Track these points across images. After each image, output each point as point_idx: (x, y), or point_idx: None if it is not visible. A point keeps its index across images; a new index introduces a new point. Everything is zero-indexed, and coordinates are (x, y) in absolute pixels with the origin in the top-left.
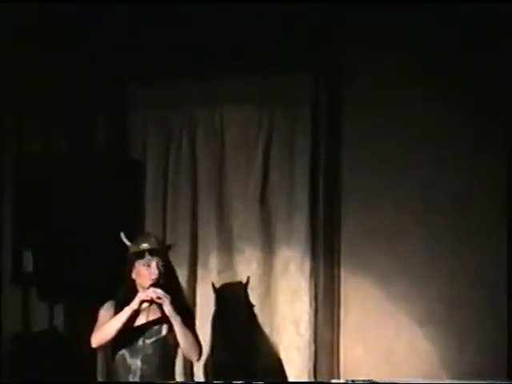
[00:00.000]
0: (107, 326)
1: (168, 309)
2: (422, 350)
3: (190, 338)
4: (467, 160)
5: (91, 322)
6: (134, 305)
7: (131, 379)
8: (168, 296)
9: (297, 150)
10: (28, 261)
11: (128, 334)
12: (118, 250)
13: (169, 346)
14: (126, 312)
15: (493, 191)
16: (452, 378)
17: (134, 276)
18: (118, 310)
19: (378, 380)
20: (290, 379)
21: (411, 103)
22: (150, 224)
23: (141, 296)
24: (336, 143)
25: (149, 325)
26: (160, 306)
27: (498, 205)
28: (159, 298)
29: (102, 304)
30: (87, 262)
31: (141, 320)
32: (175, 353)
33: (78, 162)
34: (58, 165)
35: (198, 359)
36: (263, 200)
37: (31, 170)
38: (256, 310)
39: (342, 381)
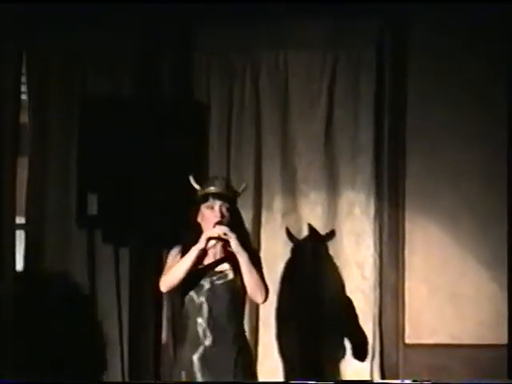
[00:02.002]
0: (176, 269)
1: (235, 244)
2: (487, 292)
3: (256, 277)
4: None
5: (157, 267)
6: (201, 244)
7: (200, 320)
8: (234, 233)
9: (361, 92)
10: (93, 204)
11: (196, 276)
12: (182, 193)
13: (237, 289)
14: (194, 252)
15: None
16: None
17: (199, 220)
18: (185, 253)
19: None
20: (356, 323)
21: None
22: (215, 166)
23: (207, 233)
24: (401, 86)
25: (216, 264)
26: (225, 246)
27: None
28: (225, 234)
29: (166, 248)
30: (152, 206)
31: (208, 260)
32: (244, 297)
33: (143, 106)
34: (123, 109)
35: (264, 301)
36: (327, 141)
37: (96, 115)
38: (320, 253)
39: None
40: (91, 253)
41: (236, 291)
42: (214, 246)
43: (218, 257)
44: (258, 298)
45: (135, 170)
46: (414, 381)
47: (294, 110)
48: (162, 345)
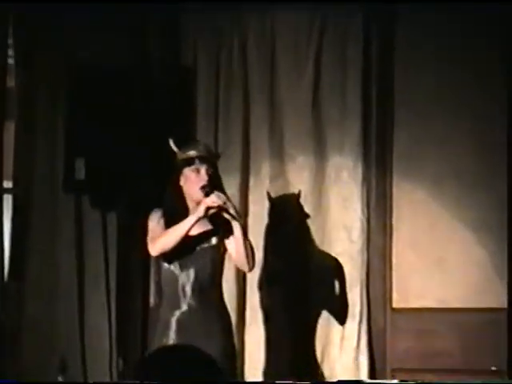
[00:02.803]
0: (170, 234)
1: (233, 212)
2: (474, 256)
3: (246, 245)
4: None
5: (145, 231)
6: (200, 213)
7: (185, 283)
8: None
9: (349, 56)
10: (80, 169)
11: (182, 239)
12: (168, 156)
13: (220, 254)
14: (192, 220)
15: None
16: (506, 286)
17: (181, 183)
18: (167, 217)
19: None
20: (343, 287)
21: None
22: (203, 131)
23: (207, 202)
24: (389, 50)
25: (203, 230)
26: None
27: None
28: (225, 203)
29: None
30: (139, 171)
31: (195, 225)
32: (223, 263)
33: (130, 71)
34: (110, 74)
35: (251, 269)
36: (315, 107)
37: (83, 80)
38: (308, 217)
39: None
40: (79, 218)
41: (219, 257)
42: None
43: (205, 222)
44: (246, 267)
45: (123, 134)
46: (401, 381)
47: (281, 76)
48: (149, 308)
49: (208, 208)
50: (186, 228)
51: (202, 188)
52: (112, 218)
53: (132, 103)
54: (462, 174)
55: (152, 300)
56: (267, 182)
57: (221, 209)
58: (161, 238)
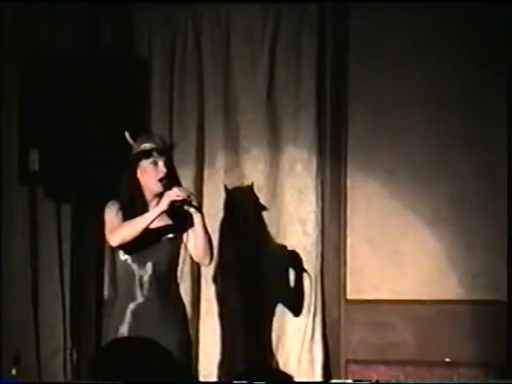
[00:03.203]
0: (132, 226)
1: (196, 205)
2: (428, 248)
3: (207, 238)
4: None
5: (99, 222)
6: (163, 206)
7: (142, 274)
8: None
9: (303, 48)
10: (34, 160)
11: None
12: (123, 148)
13: (177, 246)
14: (155, 213)
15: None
16: (460, 278)
17: (138, 175)
18: (124, 209)
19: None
20: (298, 279)
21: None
22: (157, 123)
23: (171, 195)
24: (343, 42)
25: (160, 227)
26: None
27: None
28: (189, 196)
29: (108, 201)
30: (92, 160)
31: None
32: (179, 256)
33: (83, 61)
34: (63, 63)
35: (210, 263)
36: (269, 99)
37: (36, 69)
38: (263, 209)
39: (348, 381)
40: (33, 208)
41: (176, 250)
42: (156, 204)
43: (163, 215)
44: (205, 261)
45: (77, 125)
46: (355, 381)
47: (235, 69)
48: (104, 300)
49: (172, 202)
50: (148, 221)
51: (160, 180)
52: (66, 209)
53: (85, 95)
54: (417, 166)
55: (106, 292)
56: (222, 173)
57: (184, 202)
58: (121, 229)
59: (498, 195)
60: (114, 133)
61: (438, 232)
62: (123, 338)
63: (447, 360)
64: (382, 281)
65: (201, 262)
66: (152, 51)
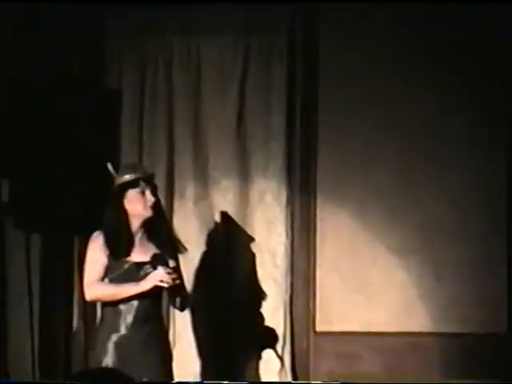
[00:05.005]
0: (110, 292)
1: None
2: (397, 279)
3: (183, 288)
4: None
5: (68, 253)
6: (146, 287)
7: (126, 308)
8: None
9: (273, 80)
10: (5, 191)
11: (124, 266)
12: (93, 179)
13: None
14: (136, 289)
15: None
16: (429, 308)
17: (126, 205)
18: (109, 241)
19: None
20: (267, 310)
21: (390, 37)
22: (127, 153)
23: (156, 279)
24: (313, 73)
25: (146, 264)
26: (149, 237)
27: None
28: (174, 280)
29: (77, 234)
30: (63, 192)
31: (136, 255)
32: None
33: (54, 91)
34: (33, 93)
35: (183, 311)
36: (239, 129)
37: (6, 97)
38: (233, 241)
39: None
40: (2, 239)
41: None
42: (141, 236)
43: (143, 250)
44: (181, 311)
45: (47, 156)
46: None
47: (206, 98)
48: (72, 332)
49: (155, 286)
50: (126, 295)
51: (152, 207)
52: (35, 240)
53: (56, 125)
54: (386, 197)
55: (75, 323)
56: (191, 204)
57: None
58: (100, 290)
59: (467, 224)
60: (84, 163)
61: (406, 262)
62: (92, 370)
63: None
64: (351, 312)
65: (176, 307)
66: (122, 81)
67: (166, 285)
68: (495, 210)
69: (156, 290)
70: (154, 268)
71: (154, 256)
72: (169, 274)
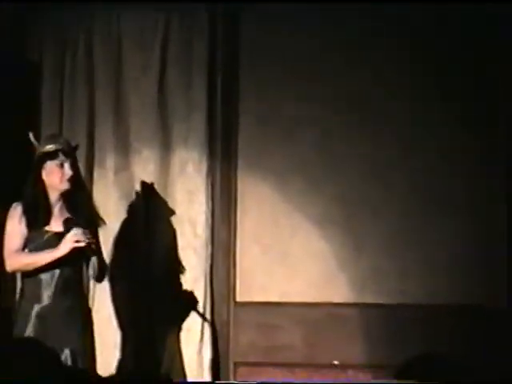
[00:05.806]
0: (30, 261)
1: (95, 249)
2: (318, 250)
3: (101, 258)
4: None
5: None
6: (63, 251)
7: (48, 278)
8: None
9: (194, 50)
10: None
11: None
12: (14, 149)
13: (82, 254)
14: (53, 256)
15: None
16: (349, 279)
17: (43, 176)
18: (28, 211)
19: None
20: (187, 281)
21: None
22: (47, 124)
23: (71, 240)
24: (234, 47)
25: (61, 235)
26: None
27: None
28: (89, 238)
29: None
30: None
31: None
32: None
33: None
34: None
35: (101, 282)
36: (161, 100)
37: None
38: (154, 211)
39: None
40: None
41: (83, 254)
42: (61, 207)
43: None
44: (100, 281)
45: None
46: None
47: (127, 69)
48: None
49: (71, 248)
50: (45, 262)
51: (69, 180)
52: None
53: None
54: (307, 167)
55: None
56: (112, 174)
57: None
58: (19, 259)
59: (390, 197)
60: (5, 135)
61: (327, 233)
62: (15, 339)
63: (335, 363)
64: (272, 283)
65: (94, 279)
66: (43, 55)
67: (82, 244)
68: (418, 185)
69: (75, 254)
70: (68, 231)
71: (67, 220)
72: (83, 233)
